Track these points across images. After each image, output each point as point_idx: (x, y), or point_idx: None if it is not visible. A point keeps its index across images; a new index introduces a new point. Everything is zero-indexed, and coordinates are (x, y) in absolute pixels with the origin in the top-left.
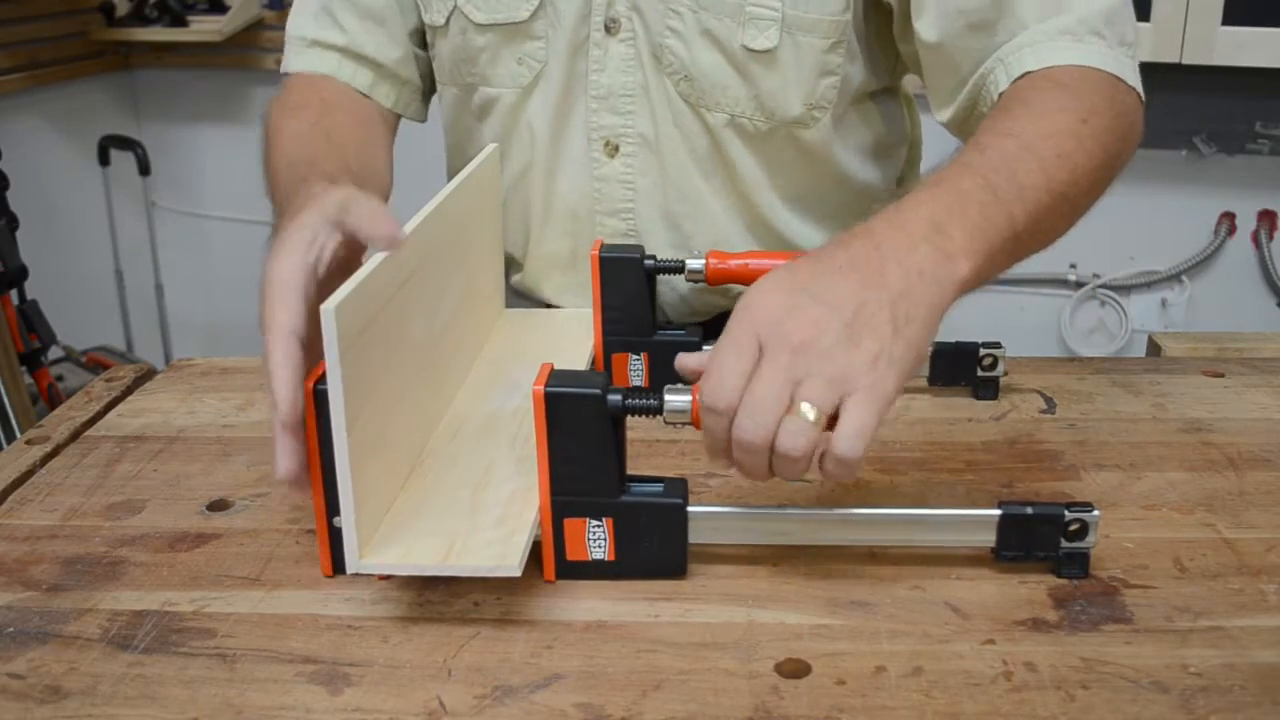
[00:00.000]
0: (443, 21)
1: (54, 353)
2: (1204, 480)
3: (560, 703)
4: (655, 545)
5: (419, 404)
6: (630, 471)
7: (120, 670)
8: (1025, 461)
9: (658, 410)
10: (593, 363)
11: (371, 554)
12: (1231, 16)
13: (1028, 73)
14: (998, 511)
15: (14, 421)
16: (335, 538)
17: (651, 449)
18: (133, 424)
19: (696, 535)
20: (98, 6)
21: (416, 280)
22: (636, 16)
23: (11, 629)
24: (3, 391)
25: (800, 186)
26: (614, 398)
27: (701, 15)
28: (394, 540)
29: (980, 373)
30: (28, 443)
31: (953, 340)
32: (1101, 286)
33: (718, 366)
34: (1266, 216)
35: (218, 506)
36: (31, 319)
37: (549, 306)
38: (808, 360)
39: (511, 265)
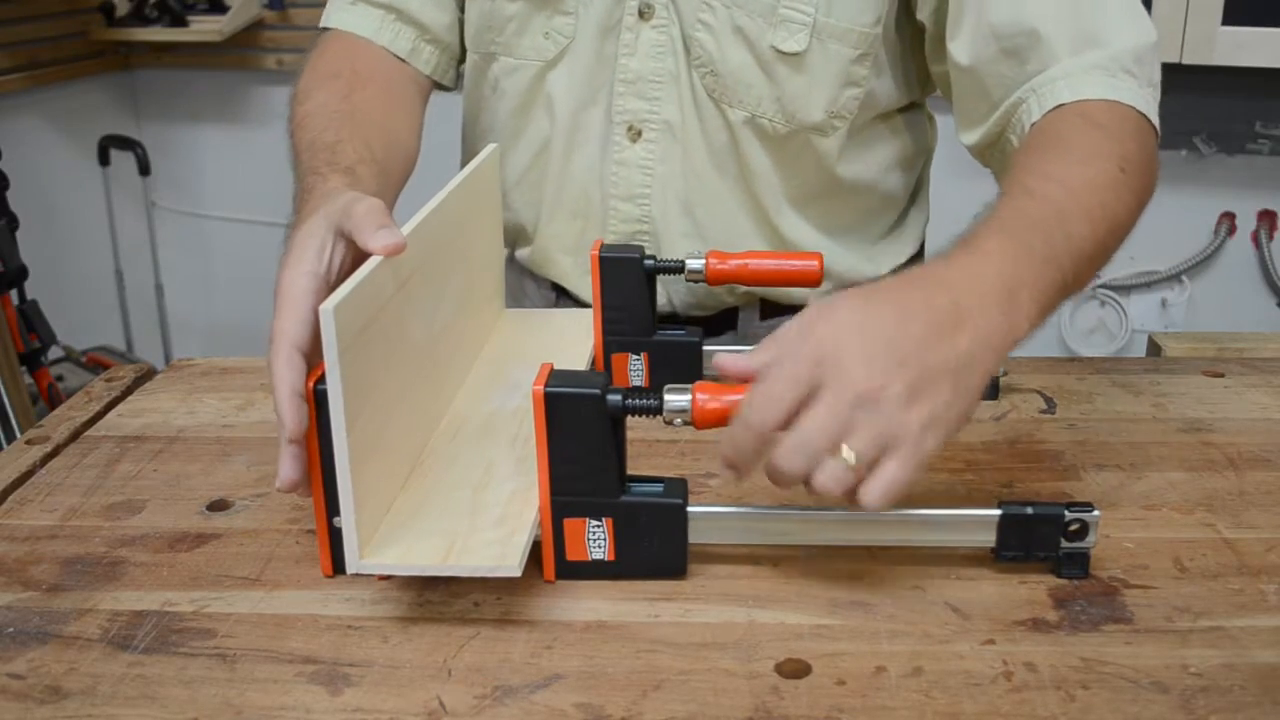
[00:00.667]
0: None
1: (54, 353)
2: (1204, 480)
3: (560, 703)
4: (655, 545)
5: (419, 404)
6: (630, 471)
7: (120, 670)
8: (1025, 461)
9: (658, 410)
10: (593, 363)
11: (371, 554)
12: (1231, 16)
13: (1060, 105)
14: (998, 511)
15: (14, 421)
16: (335, 538)
17: (651, 449)
18: (133, 424)
19: (696, 535)
20: (98, 6)
21: (416, 280)
22: (671, 4)
23: (11, 629)
24: (3, 391)
25: (810, 191)
26: (614, 398)
27: (734, 11)
28: (394, 540)
29: None
30: (28, 443)
31: None
32: (1101, 286)
33: (771, 387)
34: (1266, 216)
35: (218, 506)
36: (31, 319)
37: (555, 287)
38: (866, 413)
39: (520, 238)
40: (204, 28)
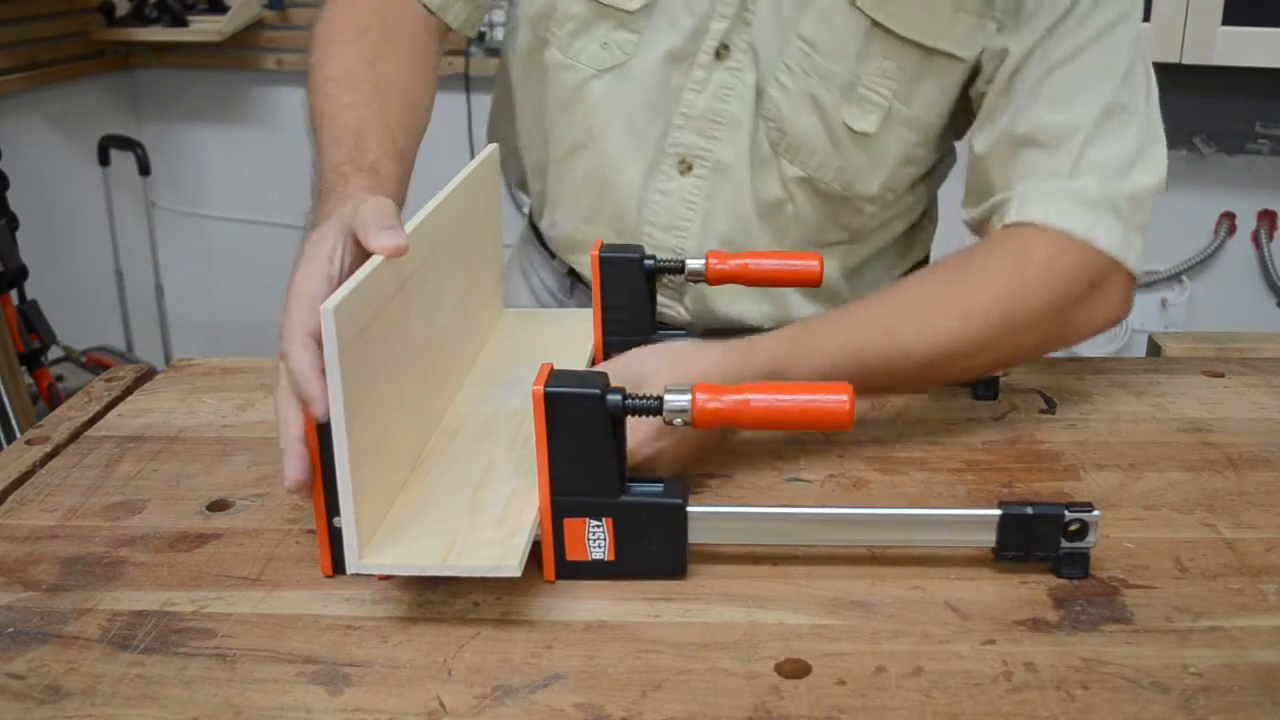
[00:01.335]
0: None
1: (54, 353)
2: (1204, 480)
3: (560, 703)
4: (655, 545)
5: (419, 404)
6: (630, 471)
7: (120, 670)
8: (1025, 461)
9: (658, 410)
10: (592, 362)
11: (371, 554)
12: (1231, 16)
13: (1030, 222)
14: (998, 511)
15: (14, 421)
16: (335, 538)
17: None
18: (133, 424)
19: (696, 535)
20: (98, 6)
21: (416, 280)
22: (751, 54)
23: (11, 629)
24: (3, 391)
25: (846, 238)
26: (614, 398)
27: (812, 80)
28: (394, 541)
29: None
30: (28, 443)
31: None
32: None
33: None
34: (1266, 216)
35: (218, 506)
36: (31, 319)
37: (571, 271)
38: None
39: (544, 209)
40: (204, 28)
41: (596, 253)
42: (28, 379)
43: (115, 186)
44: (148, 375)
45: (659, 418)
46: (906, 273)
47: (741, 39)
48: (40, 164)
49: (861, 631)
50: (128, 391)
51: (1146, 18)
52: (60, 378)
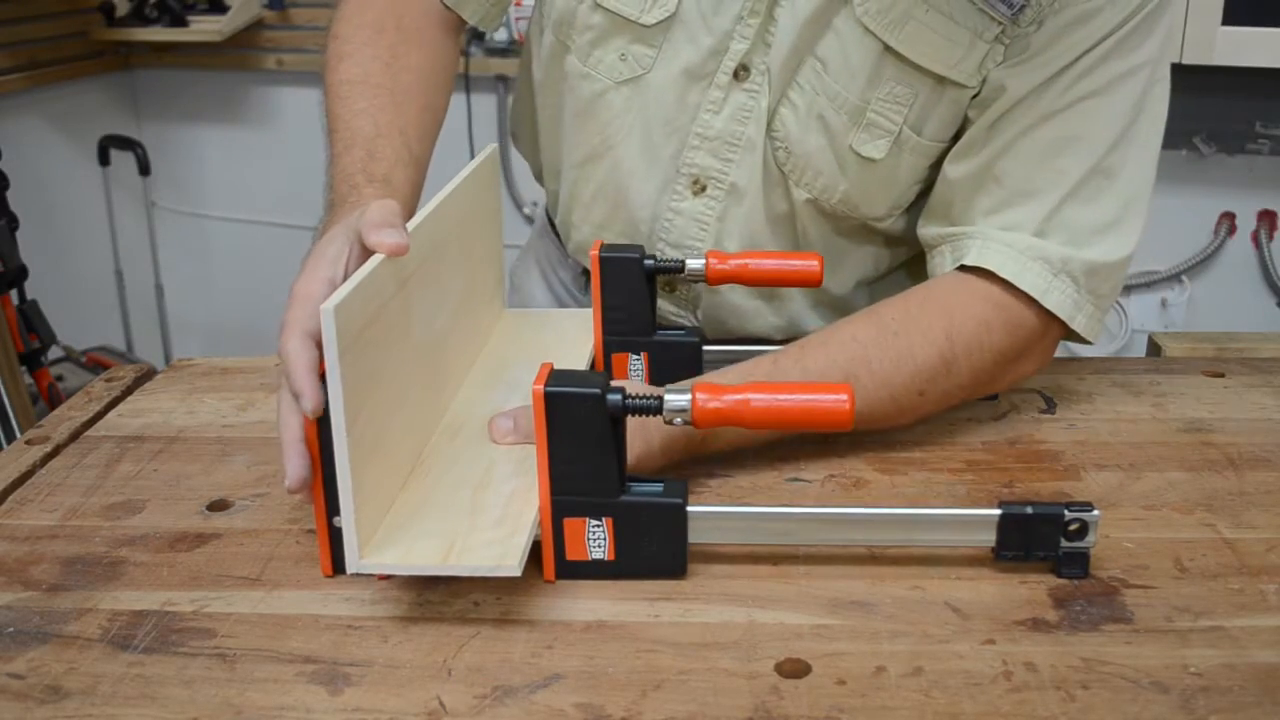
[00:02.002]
0: None
1: (54, 353)
2: (1204, 480)
3: (560, 703)
4: (655, 545)
5: (419, 404)
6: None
7: (120, 670)
8: (1025, 461)
9: (658, 410)
10: (593, 363)
11: (371, 554)
12: (1231, 16)
13: (981, 268)
14: (998, 511)
15: (14, 421)
16: (335, 538)
17: None
18: (133, 424)
19: (696, 535)
20: (98, 6)
21: (416, 280)
22: (768, 74)
23: (11, 629)
24: (3, 391)
25: (860, 259)
26: (614, 397)
27: (820, 100)
28: (394, 540)
29: None
30: (28, 443)
31: None
32: None
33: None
34: (1266, 216)
35: (218, 506)
36: (31, 319)
37: (585, 271)
38: None
39: (558, 208)
40: (204, 28)
41: (596, 253)
42: (28, 379)
43: (115, 186)
44: (148, 375)
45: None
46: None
47: (761, 61)
48: (40, 164)
49: (861, 631)
50: (128, 391)
51: None
52: (60, 378)
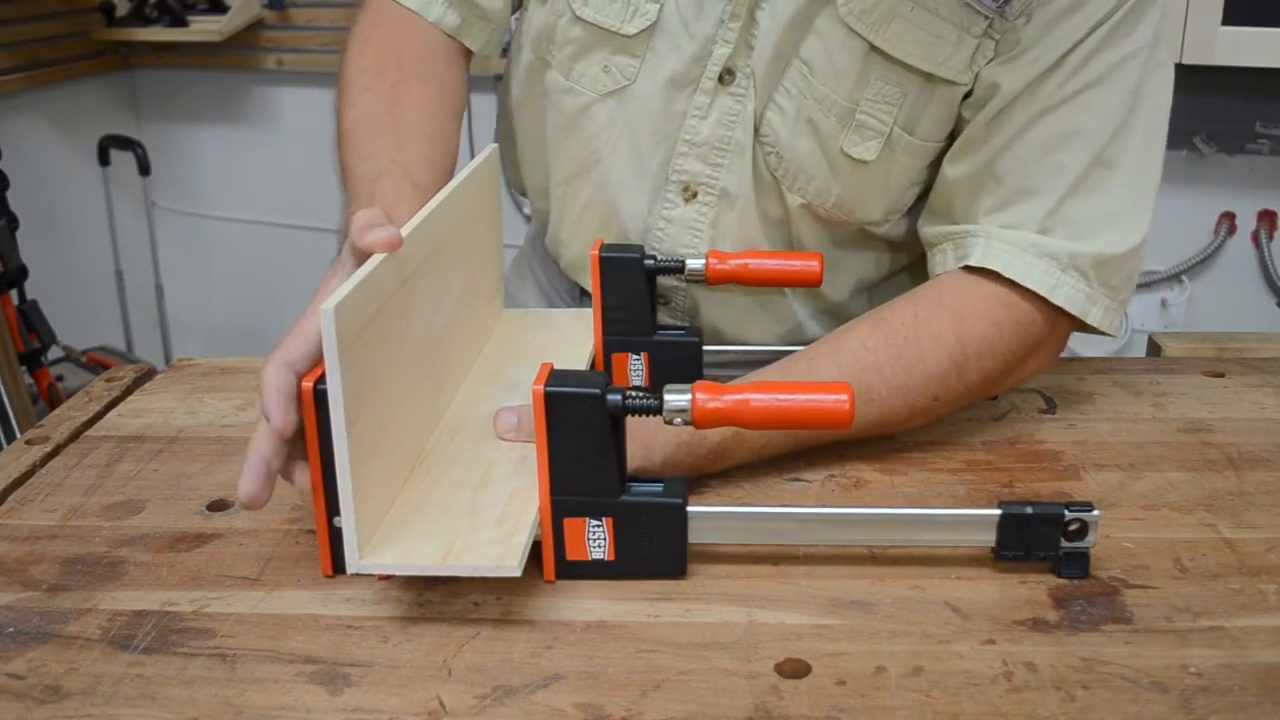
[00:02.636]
0: None
1: (54, 353)
2: (1204, 480)
3: (560, 703)
4: (655, 545)
5: (419, 404)
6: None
7: (120, 670)
8: (1025, 461)
9: (658, 410)
10: (593, 363)
11: (371, 554)
12: (1231, 16)
13: (986, 269)
14: (998, 511)
15: (14, 421)
16: (335, 538)
17: None
18: (133, 424)
19: (696, 535)
20: (98, 6)
21: (416, 280)
22: (753, 77)
23: (11, 629)
24: (3, 391)
25: (859, 263)
26: (614, 397)
27: (808, 103)
28: (394, 540)
29: None
30: (28, 443)
31: None
32: None
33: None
34: (1266, 216)
35: (218, 506)
36: (31, 319)
37: (584, 292)
38: None
39: (547, 229)
40: (204, 28)
41: (596, 252)
42: (28, 379)
43: (115, 186)
44: (148, 375)
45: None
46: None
47: (746, 64)
48: (40, 164)
49: (861, 631)
50: (128, 391)
51: None
52: (60, 378)
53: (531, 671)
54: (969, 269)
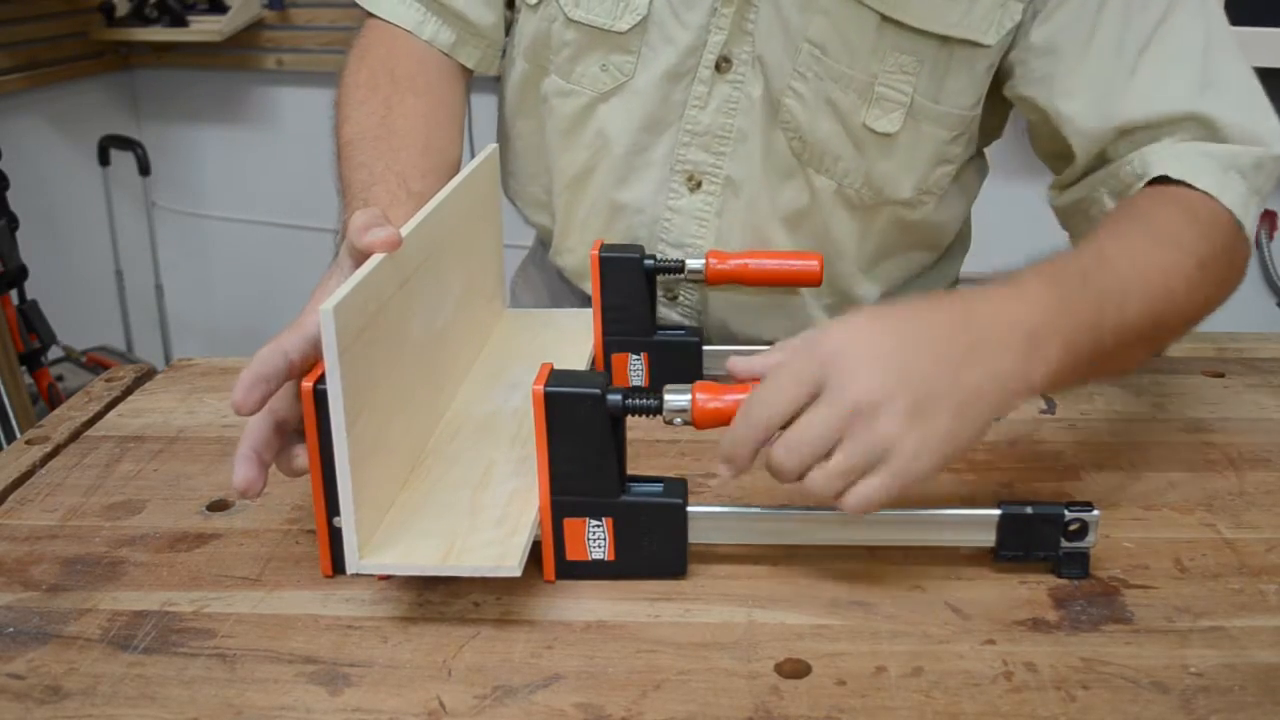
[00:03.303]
0: (535, 0)
1: (54, 353)
2: (1204, 480)
3: (560, 703)
4: (655, 545)
5: (419, 404)
6: (630, 471)
7: (120, 670)
8: (1025, 461)
9: (658, 410)
10: (593, 363)
11: (371, 554)
12: (1232, 16)
13: (1164, 178)
14: (998, 511)
15: (14, 421)
16: (335, 538)
17: (651, 449)
18: (133, 424)
19: (696, 535)
20: (98, 6)
21: (416, 280)
22: (758, 65)
23: (11, 629)
24: (3, 391)
25: (885, 252)
26: (614, 398)
27: (826, 84)
28: (394, 540)
29: None
30: (28, 443)
31: None
32: None
33: (774, 383)
34: (1267, 217)
35: (218, 506)
36: (31, 319)
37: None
38: (863, 422)
39: (552, 243)
40: (204, 28)
41: (596, 252)
42: (28, 379)
43: (115, 186)
44: (148, 375)
45: None
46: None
47: (744, 50)
48: (40, 164)
49: (861, 631)
50: (128, 391)
51: None
52: (60, 378)
53: (531, 671)
54: (1148, 186)
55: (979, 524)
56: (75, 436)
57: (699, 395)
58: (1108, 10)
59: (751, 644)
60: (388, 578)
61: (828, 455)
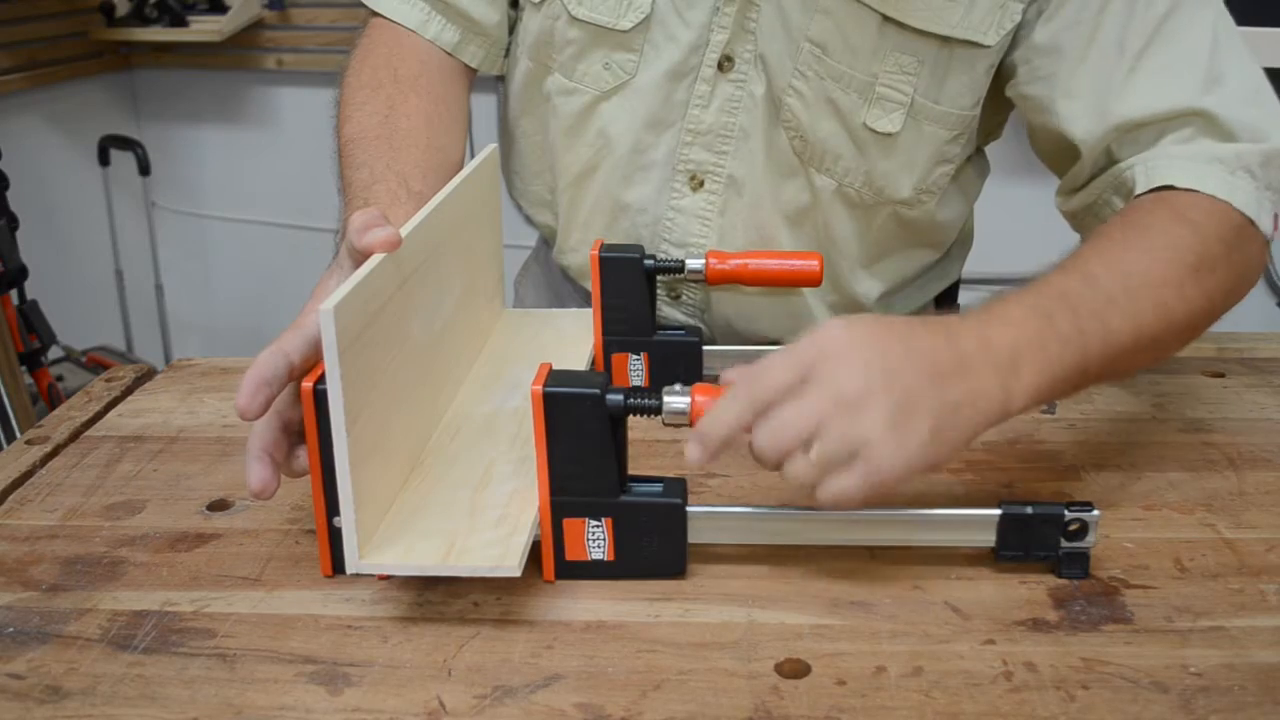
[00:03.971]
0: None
1: (54, 353)
2: (1204, 480)
3: (560, 703)
4: (655, 545)
5: (419, 404)
6: (630, 471)
7: (120, 670)
8: (1025, 461)
9: (657, 410)
10: (593, 363)
11: (371, 554)
12: (1234, 17)
13: (1168, 186)
14: (998, 511)
15: (14, 421)
16: (335, 538)
17: (651, 449)
18: (133, 424)
19: (696, 535)
20: (98, 6)
21: (416, 280)
22: (760, 64)
23: (11, 629)
24: (3, 391)
25: (886, 250)
26: (614, 398)
27: (827, 84)
28: (394, 540)
29: None
30: (28, 443)
31: None
32: None
33: (764, 366)
34: None
35: (218, 506)
36: (31, 319)
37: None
38: (844, 415)
39: (557, 242)
40: (204, 28)
41: (596, 252)
42: (28, 379)
43: (115, 186)
44: (148, 375)
45: None
46: (939, 297)
47: (746, 49)
48: (40, 164)
49: (861, 631)
50: (128, 391)
51: None
52: (60, 378)
53: (531, 671)
54: (1151, 194)
55: (979, 524)
56: (75, 436)
57: (698, 396)
58: (1110, 8)
59: (751, 644)
60: (387, 578)
61: (807, 447)
